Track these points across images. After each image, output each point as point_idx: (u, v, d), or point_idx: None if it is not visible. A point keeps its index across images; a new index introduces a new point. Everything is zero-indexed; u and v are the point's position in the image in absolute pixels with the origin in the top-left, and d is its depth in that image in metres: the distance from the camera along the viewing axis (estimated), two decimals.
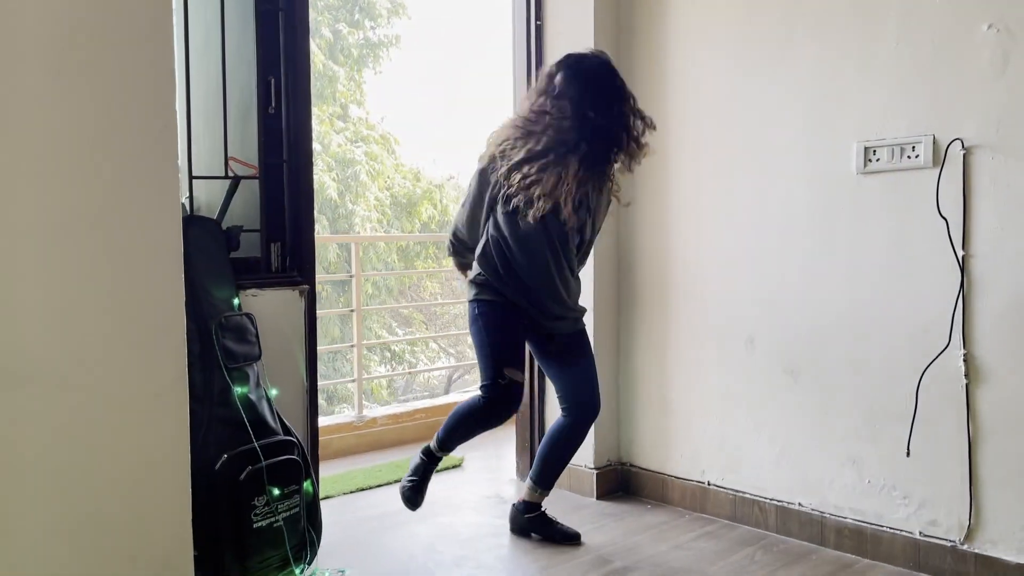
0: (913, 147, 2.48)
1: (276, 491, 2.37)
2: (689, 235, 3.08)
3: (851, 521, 2.66)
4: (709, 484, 3.05)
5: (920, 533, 2.51)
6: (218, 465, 2.29)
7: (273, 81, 2.68)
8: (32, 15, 1.87)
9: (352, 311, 4.20)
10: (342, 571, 2.55)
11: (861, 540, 2.63)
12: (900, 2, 2.49)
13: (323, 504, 3.06)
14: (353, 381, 4.25)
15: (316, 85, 16.64)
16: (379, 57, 16.40)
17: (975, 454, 2.40)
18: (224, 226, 2.59)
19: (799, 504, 2.79)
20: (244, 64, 2.68)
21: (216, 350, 2.37)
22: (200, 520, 2.25)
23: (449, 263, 2.93)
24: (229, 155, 2.66)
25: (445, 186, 15.26)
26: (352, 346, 4.24)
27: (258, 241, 2.70)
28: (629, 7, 3.22)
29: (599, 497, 3.24)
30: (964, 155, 2.38)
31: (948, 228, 2.40)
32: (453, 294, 14.45)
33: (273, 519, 2.37)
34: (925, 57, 2.45)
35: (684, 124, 3.07)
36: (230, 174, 2.64)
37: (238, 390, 2.39)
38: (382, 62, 16.35)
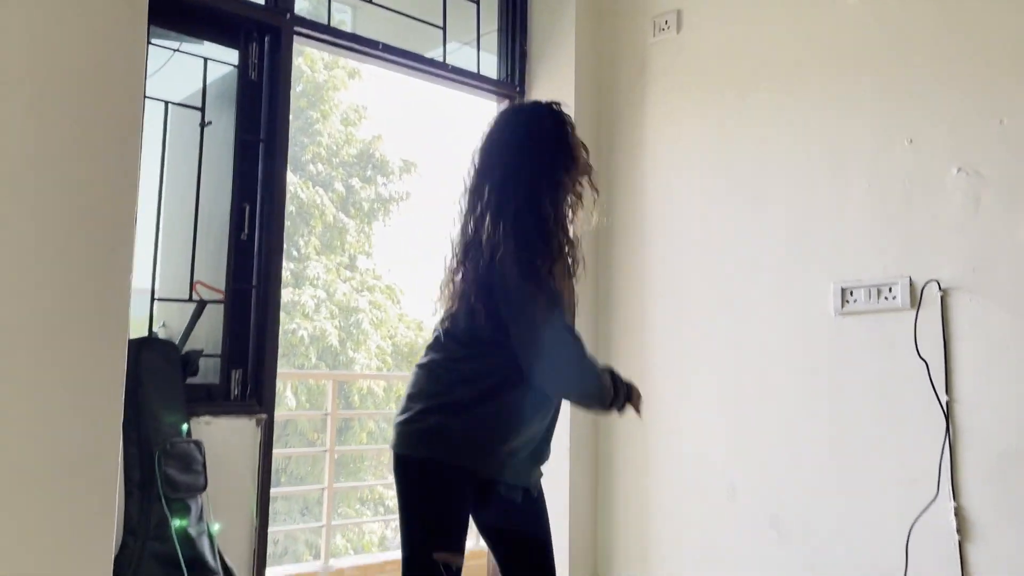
0: (890, 288, 2.42)
1: None
2: (667, 380, 2.97)
3: None
4: None
5: None
6: None
7: (248, 207, 2.69)
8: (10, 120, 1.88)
9: (325, 451, 4.04)
10: None
11: None
12: (870, 148, 2.51)
13: None
14: (322, 526, 4.03)
15: (326, 236, 17.16)
16: (389, 211, 16.89)
17: None
18: (184, 350, 2.52)
19: None
20: (221, 191, 2.70)
21: (157, 479, 2.24)
22: None
23: None
24: (196, 279, 2.63)
25: None
26: (323, 488, 4.05)
27: (218, 367, 2.62)
28: (609, 150, 3.26)
29: None
30: (942, 296, 2.33)
31: (929, 371, 2.30)
32: None
33: None
34: (897, 200, 2.44)
35: (664, 268, 3.04)
36: (195, 298, 2.60)
37: (176, 523, 2.23)
38: (392, 216, 16.83)
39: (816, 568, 2.51)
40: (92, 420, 1.99)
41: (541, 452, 1.78)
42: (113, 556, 2.01)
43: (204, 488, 2.35)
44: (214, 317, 2.64)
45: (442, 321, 1.75)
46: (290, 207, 17.01)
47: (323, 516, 3.99)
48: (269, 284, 2.68)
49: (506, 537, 1.81)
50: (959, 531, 2.23)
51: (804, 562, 2.54)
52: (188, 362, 2.49)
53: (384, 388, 14.26)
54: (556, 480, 3.08)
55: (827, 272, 2.57)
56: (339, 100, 18.74)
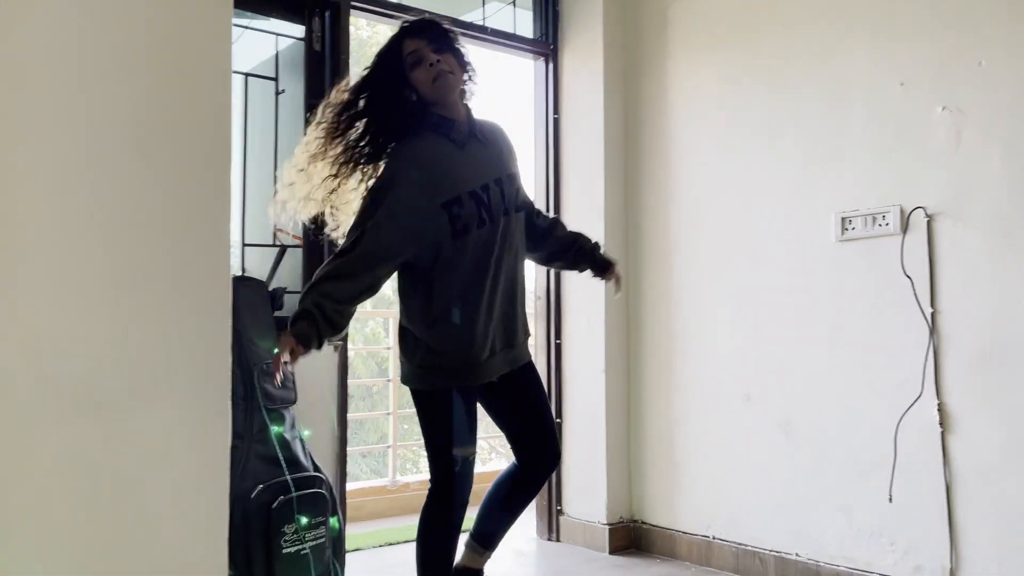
0: (884, 216, 2.74)
1: (304, 520, 2.63)
2: (690, 301, 3.34)
3: (844, 569, 2.79)
4: (713, 538, 3.21)
5: None
6: (253, 494, 2.56)
7: None
8: (120, 100, 2.30)
9: (388, 381, 4.51)
10: None
11: None
12: (864, 91, 2.80)
13: (352, 556, 3.30)
14: (388, 447, 4.52)
15: None
16: None
17: (952, 499, 2.55)
18: (270, 288, 2.96)
19: (796, 554, 2.94)
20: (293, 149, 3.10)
21: (257, 393, 2.69)
22: (235, 543, 2.52)
23: None
24: (277, 227, 3.05)
25: None
26: (388, 414, 4.53)
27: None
28: (636, 101, 3.59)
29: (611, 552, 3.41)
30: (928, 222, 2.64)
31: (914, 286, 2.63)
32: None
33: (301, 547, 2.62)
34: (890, 137, 2.74)
35: (686, 204, 3.38)
36: (277, 243, 3.03)
37: (275, 429, 2.69)
38: None
39: (819, 463, 2.88)
40: (207, 342, 2.43)
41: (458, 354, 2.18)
42: (229, 449, 2.47)
43: (295, 401, 2.80)
44: (294, 261, 3.07)
45: None
46: None
47: (390, 438, 4.47)
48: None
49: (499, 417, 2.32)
50: (941, 424, 2.57)
51: (808, 458, 2.91)
52: (275, 297, 2.92)
53: None
54: (594, 391, 3.50)
55: (829, 204, 2.89)
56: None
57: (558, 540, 3.62)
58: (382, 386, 10.63)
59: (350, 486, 4.08)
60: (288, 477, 2.64)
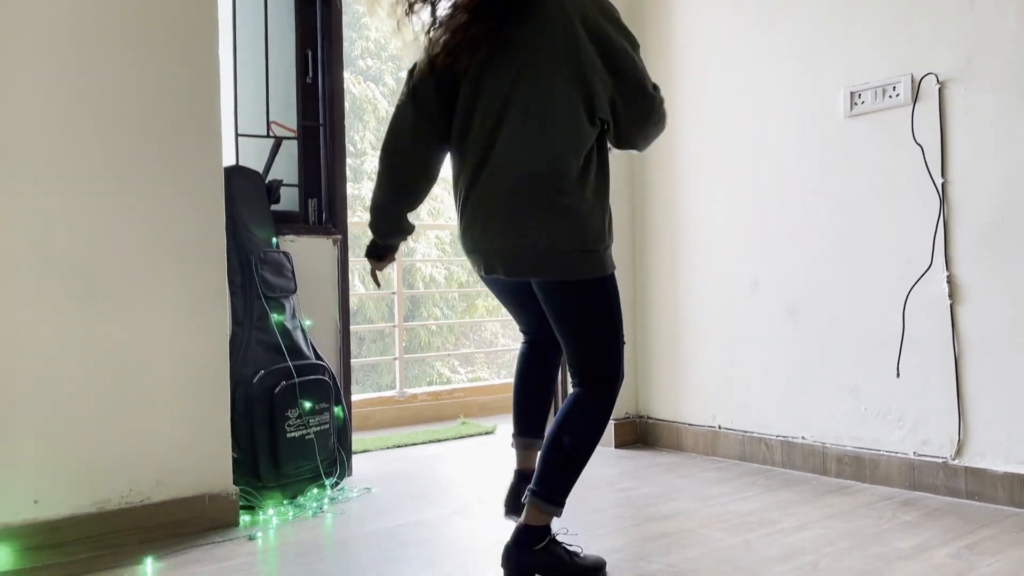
0: (894, 87, 2.65)
1: (308, 404, 2.62)
2: (695, 188, 3.28)
3: (850, 448, 2.78)
4: (719, 428, 3.20)
5: (914, 453, 2.62)
6: (255, 379, 2.56)
7: (311, 53, 3.02)
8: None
9: (394, 293, 4.49)
10: (369, 488, 2.78)
11: (859, 466, 2.75)
12: None
13: (360, 457, 3.32)
14: (395, 359, 4.51)
15: (380, 131, 17.43)
16: None
17: (961, 371, 2.51)
18: (266, 180, 2.91)
19: (802, 438, 2.92)
20: (285, 41, 3.03)
21: (256, 280, 2.66)
22: (239, 428, 2.52)
23: None
24: (271, 119, 2.99)
25: None
26: (394, 326, 4.52)
27: (297, 197, 3.01)
28: None
29: (617, 447, 3.41)
30: (939, 89, 2.55)
31: (924, 155, 2.56)
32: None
33: (305, 431, 2.63)
34: (901, 3, 2.63)
35: (691, 82, 3.29)
36: (271, 134, 2.97)
37: (275, 317, 2.67)
38: None
39: (827, 346, 2.84)
40: (202, 225, 2.40)
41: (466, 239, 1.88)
42: (228, 333, 2.46)
43: (295, 291, 2.78)
44: (290, 154, 3.02)
45: None
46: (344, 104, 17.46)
47: (396, 351, 4.46)
48: (334, 122, 3.03)
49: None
50: (950, 296, 2.52)
51: (816, 341, 2.88)
52: (271, 190, 2.88)
53: (445, 276, 14.87)
54: None
55: (838, 79, 2.80)
56: None
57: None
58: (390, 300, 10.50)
59: (357, 397, 4.10)
60: (290, 363, 2.63)
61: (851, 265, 2.78)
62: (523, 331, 2.16)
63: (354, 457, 3.14)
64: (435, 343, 14.84)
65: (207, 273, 2.41)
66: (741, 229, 3.12)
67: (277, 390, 2.57)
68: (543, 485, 1.82)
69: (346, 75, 18.31)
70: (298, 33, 3.00)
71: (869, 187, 2.72)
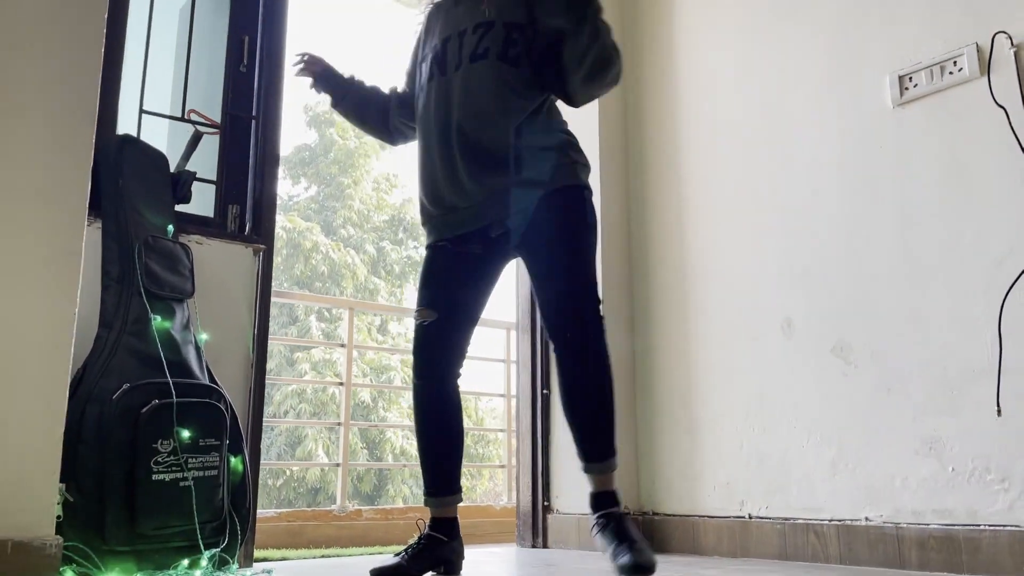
0: (955, 61, 2.16)
1: (187, 434, 1.87)
2: (707, 217, 2.70)
3: (936, 527, 2.03)
4: (750, 517, 2.43)
5: None
6: (116, 395, 1.83)
7: (247, 39, 2.53)
8: None
9: (341, 384, 3.77)
10: (269, 572, 1.96)
11: (953, 550, 1.99)
12: None
13: (277, 566, 2.47)
14: (337, 465, 3.72)
15: (357, 297, 17.16)
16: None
17: None
18: (176, 170, 2.31)
19: (866, 519, 2.17)
20: (219, 22, 2.54)
21: (137, 274, 2.00)
22: (83, 460, 1.78)
23: None
24: (190, 108, 2.44)
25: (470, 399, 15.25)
26: (339, 424, 3.76)
27: (213, 200, 2.41)
28: None
29: None
30: (1015, 52, 2.05)
31: (1009, 118, 2.01)
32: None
33: (180, 474, 1.86)
34: None
35: (697, 90, 2.80)
36: (187, 118, 2.41)
37: (158, 321, 1.98)
38: None
39: (890, 387, 2.16)
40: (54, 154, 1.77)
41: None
42: (76, 323, 1.76)
43: (191, 294, 2.10)
44: (211, 150, 2.44)
45: None
46: (322, 267, 17.20)
47: (340, 454, 3.70)
48: (269, 117, 2.49)
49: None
50: None
51: (873, 383, 2.20)
52: (180, 182, 2.27)
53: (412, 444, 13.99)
54: None
55: (879, 64, 2.31)
56: (370, 167, 19.01)
57: (545, 546, 2.81)
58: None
59: (284, 509, 3.28)
60: (170, 380, 1.91)
61: (916, 283, 2.16)
62: (421, 353, 2.04)
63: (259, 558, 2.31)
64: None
65: (58, 224, 1.75)
66: (767, 258, 2.52)
67: (145, 410, 1.83)
68: (599, 447, 1.90)
69: (327, 240, 18.24)
70: (233, 16, 2.52)
71: (934, 181, 2.16)
